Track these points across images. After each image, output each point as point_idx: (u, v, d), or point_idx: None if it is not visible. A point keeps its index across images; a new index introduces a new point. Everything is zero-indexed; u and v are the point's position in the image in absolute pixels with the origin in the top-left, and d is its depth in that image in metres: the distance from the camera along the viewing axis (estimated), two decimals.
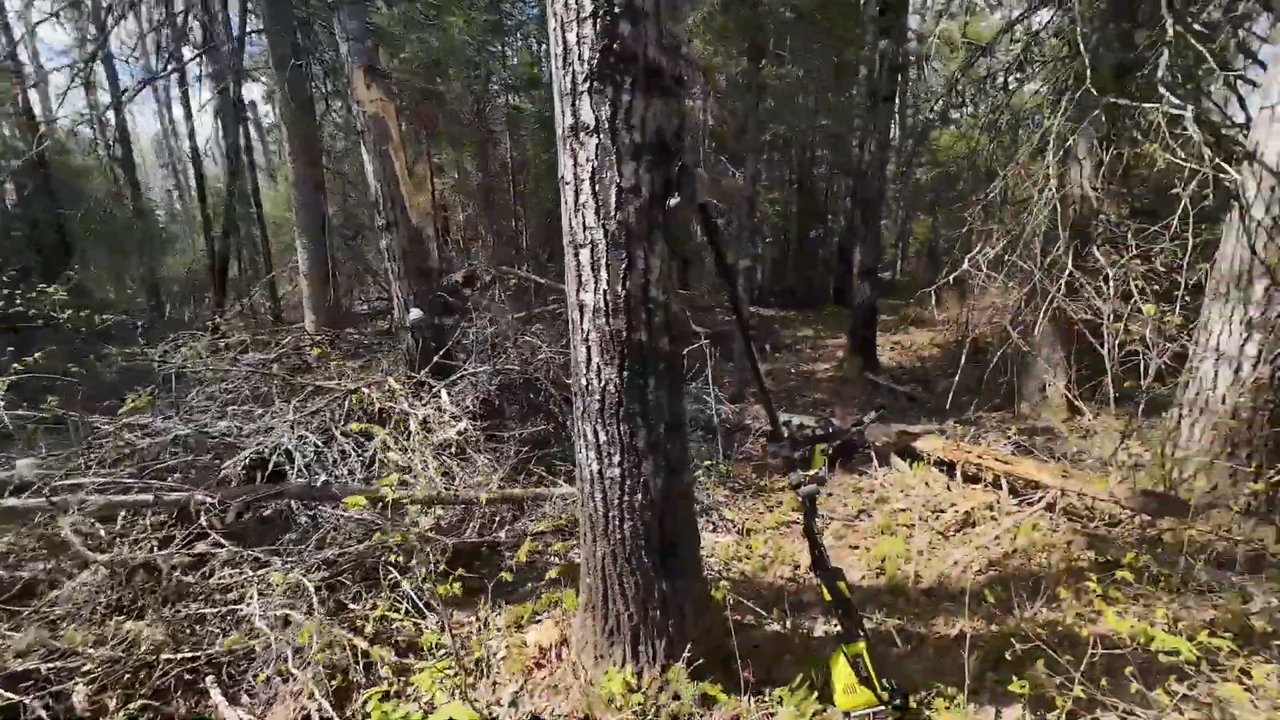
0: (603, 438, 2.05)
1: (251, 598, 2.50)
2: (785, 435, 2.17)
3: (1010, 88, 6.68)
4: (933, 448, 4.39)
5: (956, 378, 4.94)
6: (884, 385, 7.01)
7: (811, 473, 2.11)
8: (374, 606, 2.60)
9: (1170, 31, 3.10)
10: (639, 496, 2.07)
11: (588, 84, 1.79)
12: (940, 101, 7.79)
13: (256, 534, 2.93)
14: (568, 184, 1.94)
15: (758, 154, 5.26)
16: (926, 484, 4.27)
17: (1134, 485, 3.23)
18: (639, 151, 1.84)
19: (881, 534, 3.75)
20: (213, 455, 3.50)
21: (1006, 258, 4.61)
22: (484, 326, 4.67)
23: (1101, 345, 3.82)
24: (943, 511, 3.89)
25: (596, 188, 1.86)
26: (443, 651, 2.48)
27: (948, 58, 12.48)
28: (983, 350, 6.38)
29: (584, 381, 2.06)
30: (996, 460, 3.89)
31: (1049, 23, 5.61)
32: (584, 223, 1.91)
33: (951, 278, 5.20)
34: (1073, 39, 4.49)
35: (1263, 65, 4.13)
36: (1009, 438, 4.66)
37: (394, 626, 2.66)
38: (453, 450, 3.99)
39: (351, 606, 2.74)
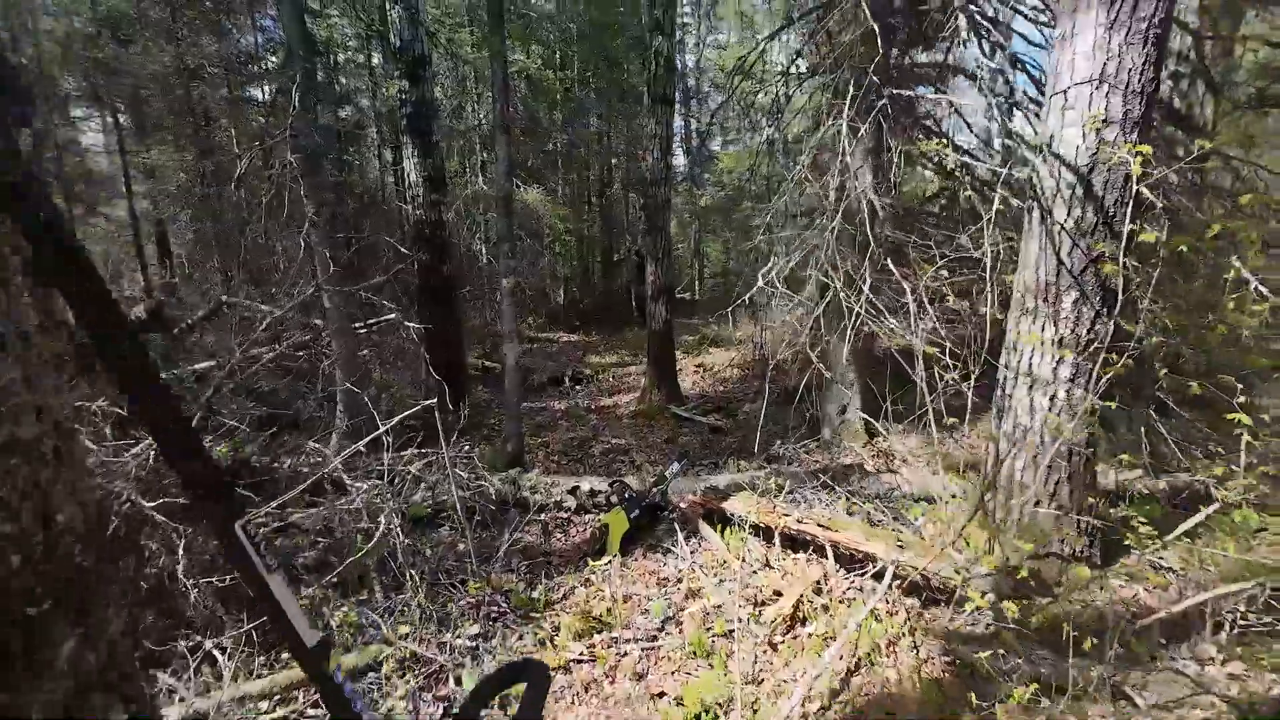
0: None
1: None
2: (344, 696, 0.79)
3: (784, 100, 6.52)
4: (746, 509, 3.50)
5: (761, 415, 4.22)
6: (686, 418, 6.26)
7: None
8: None
9: None
10: None
11: None
12: (713, 119, 7.47)
13: None
14: None
15: (507, 138, 4.00)
16: (741, 559, 3.35)
17: (976, 558, 2.59)
18: None
19: (694, 656, 2.67)
20: None
21: (802, 273, 4.00)
22: None
23: (908, 369, 3.27)
24: (765, 604, 2.97)
25: None
26: None
27: (724, 83, 12.95)
28: (783, 372, 5.96)
29: None
30: (820, 526, 3.09)
31: (817, 31, 5.39)
32: None
33: (748, 297, 4.52)
34: (858, 37, 4.11)
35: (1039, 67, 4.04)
36: (818, 478, 4.01)
37: None
38: None
39: None
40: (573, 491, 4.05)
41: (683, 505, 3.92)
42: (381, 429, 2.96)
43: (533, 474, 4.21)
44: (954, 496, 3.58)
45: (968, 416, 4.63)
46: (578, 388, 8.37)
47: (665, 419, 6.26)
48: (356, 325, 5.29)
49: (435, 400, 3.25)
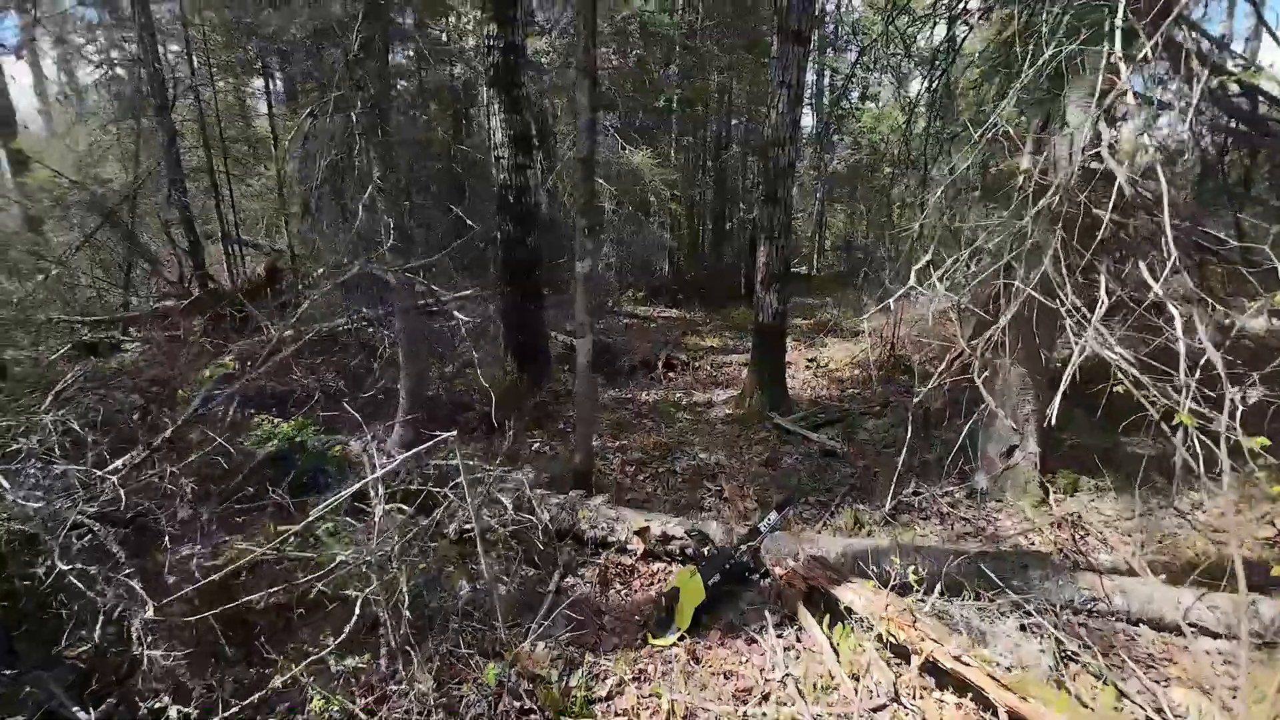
0: None
1: None
2: None
3: (959, 37, 4.99)
4: (868, 608, 2.51)
5: (902, 455, 3.15)
6: (792, 431, 5.20)
7: None
8: None
9: None
10: None
11: None
12: (859, 62, 6.03)
13: None
14: None
15: (590, 84, 3.10)
16: (856, 678, 2.39)
17: None
18: None
19: None
20: None
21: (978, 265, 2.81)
22: None
23: (1164, 427, 2.07)
24: None
25: None
26: None
27: (871, 22, 10.98)
28: (936, 390, 4.69)
29: None
30: (993, 680, 2.02)
31: None
32: None
33: (892, 298, 3.36)
34: None
35: None
36: (980, 566, 2.86)
37: None
38: None
39: None
40: (641, 533, 3.27)
41: (778, 571, 3.01)
42: (391, 464, 2.31)
43: (596, 501, 3.48)
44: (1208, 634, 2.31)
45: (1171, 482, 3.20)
46: (670, 375, 7.55)
47: (767, 430, 5.26)
48: (423, 304, 4.84)
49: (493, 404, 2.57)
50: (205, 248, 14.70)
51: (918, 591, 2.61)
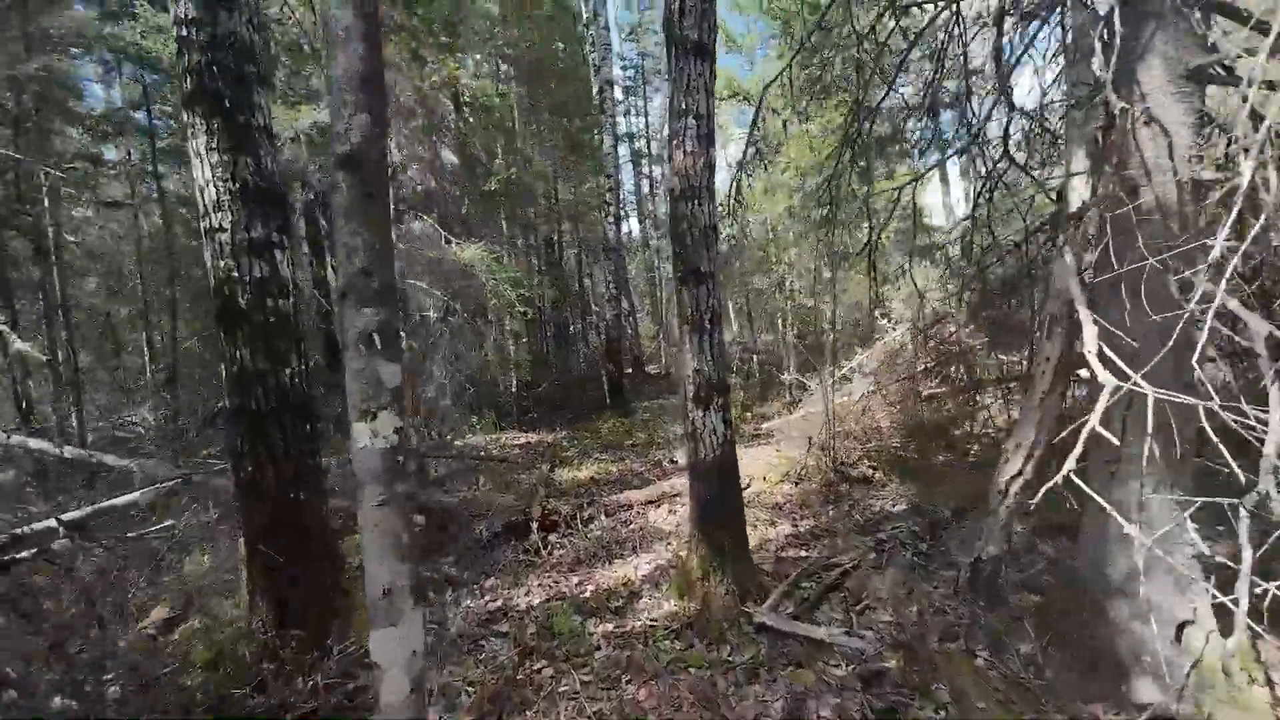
0: None
1: None
2: None
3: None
4: None
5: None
6: (788, 634, 3.18)
7: None
8: None
9: None
10: None
11: None
12: (754, 134, 5.13)
13: None
14: None
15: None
16: None
17: None
18: None
19: None
20: None
21: None
22: None
23: None
24: None
25: None
26: None
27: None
28: (993, 523, 3.10)
29: None
30: None
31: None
32: None
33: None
34: None
35: None
36: None
37: None
38: None
39: None
40: None
41: None
42: None
43: None
44: None
45: None
46: (550, 540, 5.15)
47: (749, 641, 3.16)
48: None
49: None
50: None
51: None
